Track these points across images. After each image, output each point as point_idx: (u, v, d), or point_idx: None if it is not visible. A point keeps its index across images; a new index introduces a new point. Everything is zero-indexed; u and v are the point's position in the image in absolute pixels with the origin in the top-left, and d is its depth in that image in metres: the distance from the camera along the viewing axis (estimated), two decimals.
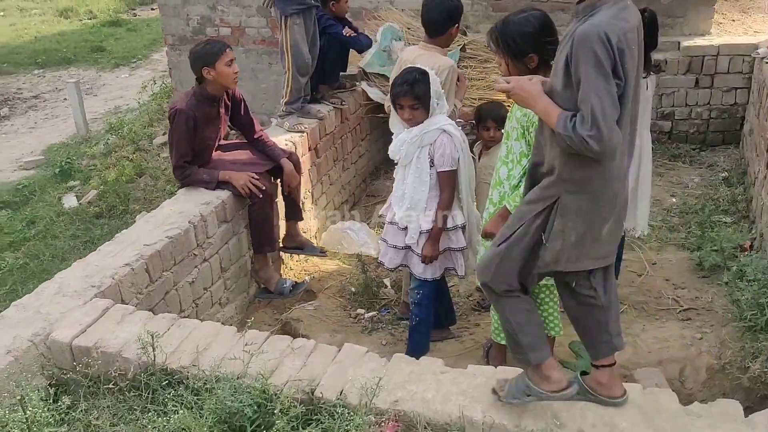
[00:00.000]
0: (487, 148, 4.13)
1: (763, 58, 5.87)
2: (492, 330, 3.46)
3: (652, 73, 3.76)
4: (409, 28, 6.74)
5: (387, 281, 4.73)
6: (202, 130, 4.05)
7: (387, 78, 6.02)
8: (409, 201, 3.51)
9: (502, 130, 3.96)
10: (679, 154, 6.49)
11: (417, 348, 3.67)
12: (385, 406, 2.41)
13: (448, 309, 3.90)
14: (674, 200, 5.72)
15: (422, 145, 3.40)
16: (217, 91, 4.10)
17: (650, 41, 3.71)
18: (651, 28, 3.66)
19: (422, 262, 3.52)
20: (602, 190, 2.20)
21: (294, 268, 4.92)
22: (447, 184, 3.40)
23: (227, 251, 4.10)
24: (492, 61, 6.35)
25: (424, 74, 3.38)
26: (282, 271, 4.77)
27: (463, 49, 6.44)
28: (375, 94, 5.99)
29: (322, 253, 4.85)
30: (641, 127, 3.63)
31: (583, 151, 2.07)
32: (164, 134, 8.29)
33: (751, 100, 6.15)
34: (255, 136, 4.40)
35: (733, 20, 7.08)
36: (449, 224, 3.47)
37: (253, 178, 4.02)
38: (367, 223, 5.68)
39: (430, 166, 3.41)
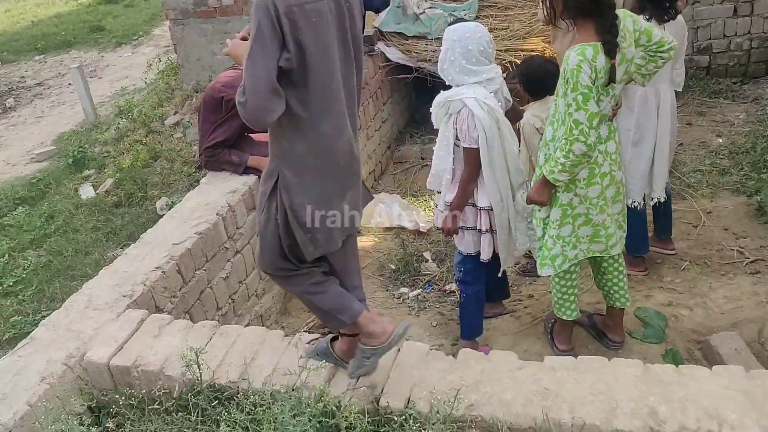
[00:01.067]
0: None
1: None
2: (553, 304, 3.21)
3: (666, 20, 3.38)
4: None
5: (428, 255, 4.47)
6: (236, 121, 3.81)
7: (404, 36, 5.68)
8: (434, 167, 3.27)
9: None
10: (719, 89, 6.11)
11: (470, 328, 3.44)
12: (460, 413, 2.18)
13: (501, 281, 3.62)
14: (721, 140, 5.38)
15: (448, 113, 3.11)
16: None
17: None
18: None
19: (442, 234, 3.32)
20: (314, 163, 2.21)
21: None
22: (467, 161, 3.10)
23: (256, 240, 3.84)
24: (514, 8, 5.97)
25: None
26: None
27: None
28: (394, 54, 5.65)
29: (357, 232, 4.59)
30: (657, 81, 3.32)
31: (245, 121, 2.09)
32: (175, 114, 8.00)
33: None
34: None
35: None
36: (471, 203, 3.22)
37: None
38: (398, 193, 5.42)
39: (456, 137, 3.11)
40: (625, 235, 3.05)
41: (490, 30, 5.62)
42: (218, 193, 3.68)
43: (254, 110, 2.03)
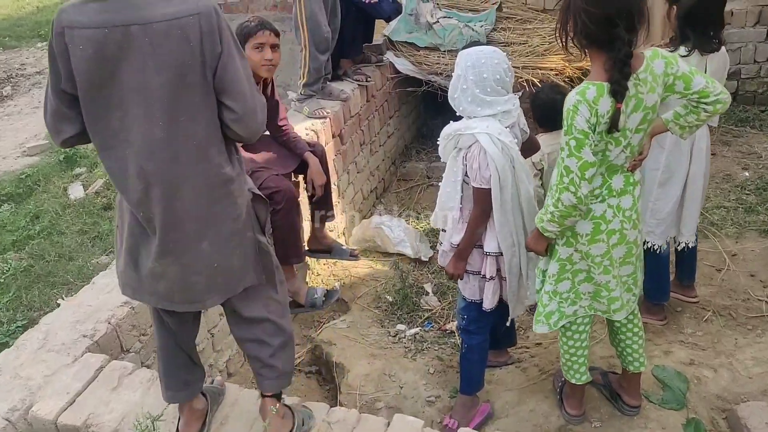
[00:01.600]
0: None
1: None
2: (561, 365, 2.88)
3: (709, 51, 3.05)
4: None
5: (428, 287, 4.15)
6: None
7: (416, 46, 5.35)
8: (440, 205, 2.92)
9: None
10: (746, 117, 5.76)
11: (470, 383, 3.10)
12: None
13: (508, 328, 3.29)
14: (747, 174, 5.03)
15: (458, 147, 2.78)
16: (259, 74, 3.54)
17: (710, 17, 3.03)
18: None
19: (448, 278, 3.00)
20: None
21: (321, 273, 4.36)
22: (477, 201, 2.76)
23: None
24: (533, 22, 5.63)
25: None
26: (308, 278, 4.21)
27: (499, 8, 5.73)
28: (403, 65, 5.32)
29: (353, 256, 4.25)
30: None
31: None
32: None
33: None
34: (279, 124, 3.81)
35: None
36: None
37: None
38: (400, 213, 5.09)
39: (466, 174, 2.78)
40: (635, 298, 2.71)
41: (507, 45, 5.34)
42: None
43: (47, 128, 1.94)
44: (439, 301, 4.05)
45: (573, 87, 4.69)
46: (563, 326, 2.71)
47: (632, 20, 2.19)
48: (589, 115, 2.23)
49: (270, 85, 3.74)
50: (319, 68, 4.31)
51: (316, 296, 3.72)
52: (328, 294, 3.80)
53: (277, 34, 3.52)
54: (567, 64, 4.98)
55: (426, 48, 5.38)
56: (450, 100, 2.82)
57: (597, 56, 2.29)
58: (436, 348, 3.65)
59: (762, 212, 4.51)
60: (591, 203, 2.44)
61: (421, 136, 6.12)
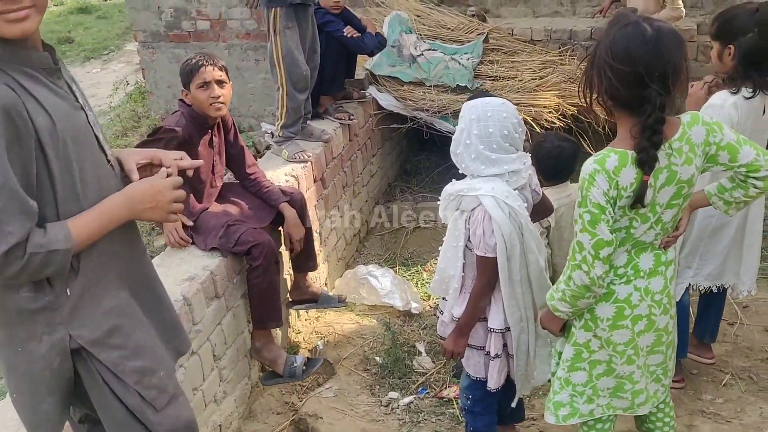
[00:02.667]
0: None
1: None
2: None
3: (765, 92, 2.81)
4: (419, 16, 5.80)
5: (421, 346, 3.80)
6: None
7: (400, 81, 5.05)
8: (440, 272, 2.60)
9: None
10: None
11: None
12: None
13: (516, 404, 2.96)
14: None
15: (461, 209, 2.46)
16: (208, 116, 3.24)
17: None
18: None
19: (444, 355, 2.67)
20: None
21: (302, 330, 3.99)
22: (481, 272, 2.45)
23: (220, 334, 3.17)
24: (521, 54, 5.37)
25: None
26: (288, 335, 3.84)
27: (485, 40, 5.46)
28: (386, 101, 5.01)
29: (341, 302, 3.90)
30: None
31: None
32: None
33: None
34: (247, 172, 3.47)
35: None
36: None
37: (176, 231, 3.14)
38: (386, 259, 4.75)
39: (468, 239, 2.46)
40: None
41: (496, 79, 5.07)
42: (171, 281, 2.97)
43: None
44: (434, 362, 3.70)
45: (571, 131, 4.44)
46: (584, 423, 2.38)
47: (666, 80, 1.89)
48: (607, 188, 1.93)
49: (231, 128, 3.42)
50: (297, 108, 3.98)
51: (295, 365, 3.39)
52: (310, 362, 3.47)
53: (223, 69, 3.22)
54: (561, 101, 4.72)
55: (410, 83, 5.09)
56: (452, 156, 2.51)
57: (624, 119, 1.99)
58: (434, 420, 3.30)
59: None
60: (614, 284, 2.13)
61: (404, 173, 5.81)
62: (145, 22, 7.21)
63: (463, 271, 2.52)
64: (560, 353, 2.35)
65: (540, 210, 2.66)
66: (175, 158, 2.01)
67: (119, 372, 1.84)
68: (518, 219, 2.38)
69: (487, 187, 2.37)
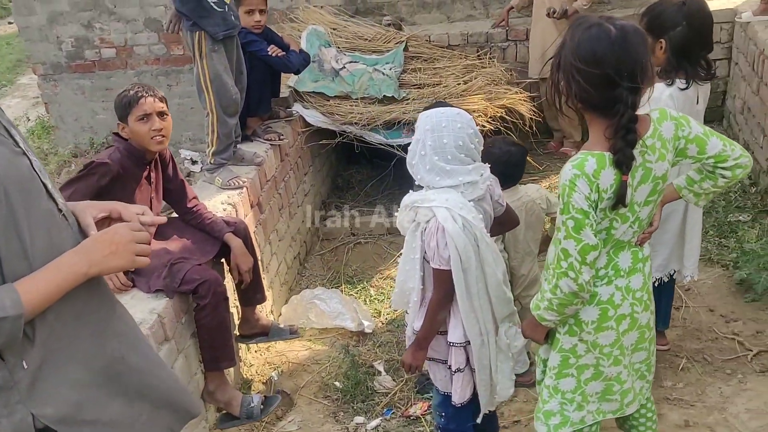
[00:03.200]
0: None
1: (748, 22, 5.17)
2: None
3: (698, 82, 2.88)
4: (335, 29, 5.71)
5: (380, 365, 3.71)
6: (123, 199, 2.93)
7: (325, 96, 4.95)
8: (399, 285, 2.50)
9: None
10: None
11: None
12: None
13: (489, 416, 2.90)
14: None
15: (417, 221, 2.38)
16: (148, 152, 3.05)
17: (704, 43, 2.86)
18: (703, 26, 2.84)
19: (403, 368, 2.58)
20: None
21: (254, 362, 3.82)
22: (437, 284, 2.37)
23: None
24: (441, 60, 5.38)
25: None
26: (240, 370, 3.67)
27: (405, 48, 5.44)
28: (313, 117, 4.90)
29: (293, 333, 3.74)
30: None
31: None
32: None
33: (738, 72, 5.45)
34: (189, 206, 3.28)
35: None
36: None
37: (116, 277, 2.96)
38: (330, 279, 4.63)
39: (425, 251, 2.39)
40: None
41: (421, 87, 5.05)
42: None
43: None
44: (395, 380, 3.61)
45: (500, 132, 4.46)
46: None
47: (635, 78, 1.87)
48: (588, 191, 1.90)
49: (170, 162, 3.24)
50: (228, 133, 3.82)
51: (252, 405, 3.23)
52: (267, 400, 3.31)
53: (163, 99, 3.05)
54: (489, 104, 4.74)
55: (336, 97, 4.99)
56: (408, 167, 2.42)
57: (596, 121, 1.97)
58: None
59: (706, 239, 4.40)
60: (596, 286, 2.11)
61: (337, 188, 5.71)
62: (44, 54, 6.82)
63: (423, 284, 2.43)
64: (545, 360, 2.30)
65: (504, 221, 2.60)
66: (137, 212, 1.79)
67: None
68: (473, 231, 2.30)
69: (441, 199, 2.29)
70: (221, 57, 3.62)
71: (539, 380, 2.38)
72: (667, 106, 2.77)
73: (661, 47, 2.83)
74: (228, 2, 3.62)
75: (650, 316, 2.22)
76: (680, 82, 2.83)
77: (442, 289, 2.37)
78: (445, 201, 2.28)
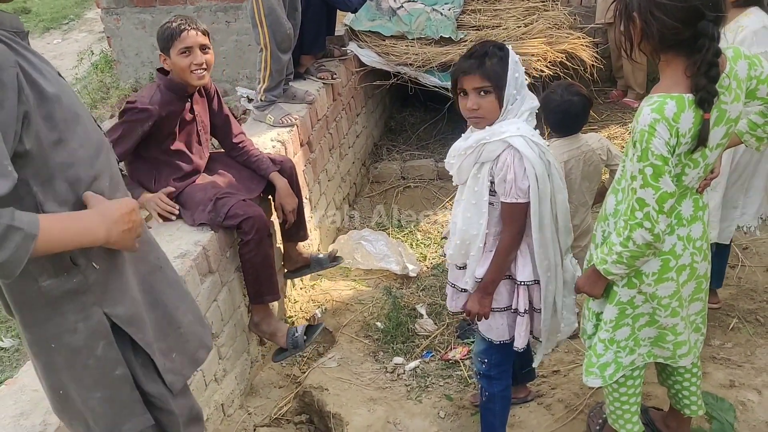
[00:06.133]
0: None
1: None
2: (608, 414, 2.49)
3: None
4: None
5: (422, 309, 3.72)
6: (169, 137, 2.99)
7: (381, 36, 4.87)
8: (460, 235, 2.39)
9: None
10: None
11: None
12: None
13: (527, 362, 2.88)
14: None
15: (481, 161, 2.30)
16: (189, 86, 3.03)
17: None
18: None
19: (468, 317, 2.51)
20: None
21: (299, 299, 3.88)
22: (510, 221, 2.29)
23: (217, 311, 3.04)
24: (503, 1, 5.19)
25: (502, 49, 2.27)
26: (285, 306, 3.73)
27: None
28: (368, 57, 4.83)
29: (333, 261, 3.76)
30: None
31: None
32: (112, 117, 7.01)
33: None
34: (235, 142, 3.30)
35: None
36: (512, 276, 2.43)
37: (161, 200, 2.97)
38: (377, 222, 4.63)
39: (492, 192, 2.32)
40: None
41: (479, 29, 4.90)
42: None
43: None
44: (436, 323, 3.63)
45: (559, 78, 4.28)
46: (615, 381, 2.31)
47: (719, 7, 1.78)
48: (668, 136, 1.82)
49: (214, 96, 3.23)
50: (281, 70, 3.80)
51: (296, 335, 3.27)
52: (309, 329, 3.34)
53: (206, 33, 3.02)
54: (549, 48, 4.58)
55: (392, 37, 4.90)
56: (508, 103, 2.29)
57: (675, 61, 1.87)
58: (442, 383, 3.23)
59: None
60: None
61: (389, 132, 5.66)
62: None
63: (487, 229, 2.38)
64: (597, 314, 2.26)
65: None
66: None
67: (151, 353, 1.71)
68: (546, 157, 2.25)
69: (512, 129, 2.20)
70: None
71: (590, 334, 2.33)
72: None
73: None
74: None
75: (707, 266, 2.16)
76: (761, 13, 2.65)
77: (516, 226, 2.29)
78: (517, 130, 2.21)
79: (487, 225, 2.33)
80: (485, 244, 2.35)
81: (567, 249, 2.42)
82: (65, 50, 10.15)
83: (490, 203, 2.31)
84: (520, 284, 2.35)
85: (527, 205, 2.23)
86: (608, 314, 2.19)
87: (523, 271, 2.34)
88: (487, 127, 2.27)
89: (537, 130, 2.27)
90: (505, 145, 2.21)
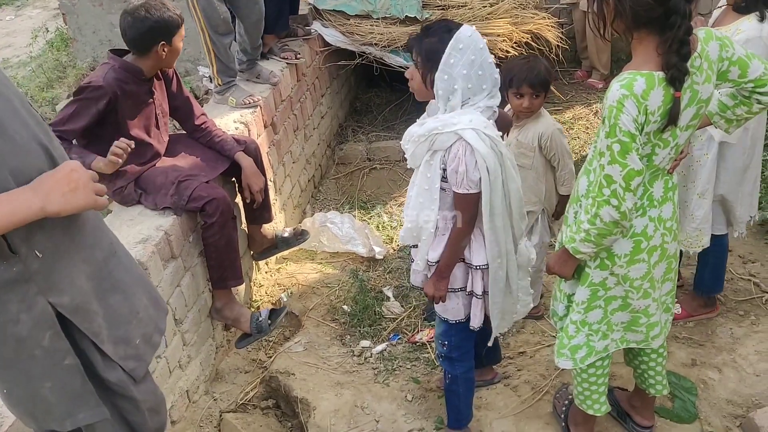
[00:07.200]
0: (518, 119, 3.04)
1: None
2: (576, 395, 2.51)
3: None
4: None
5: (389, 291, 3.71)
6: (125, 120, 2.89)
7: (346, 15, 4.79)
8: (411, 219, 2.42)
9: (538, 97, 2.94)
10: None
11: (458, 417, 2.71)
12: None
13: (492, 347, 2.89)
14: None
15: (433, 149, 2.29)
16: (153, 69, 2.96)
17: None
18: None
19: (428, 299, 2.55)
20: None
21: (264, 283, 3.83)
22: (462, 209, 2.30)
23: (180, 297, 2.98)
24: None
25: (450, 31, 2.24)
26: (250, 290, 3.68)
27: None
28: (332, 37, 4.76)
29: (299, 237, 3.72)
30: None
31: None
32: (68, 97, 6.81)
33: None
34: (196, 123, 3.22)
35: None
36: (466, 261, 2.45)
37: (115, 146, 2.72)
38: (342, 204, 4.60)
39: (444, 179, 2.32)
40: (672, 318, 2.36)
41: (445, 8, 4.85)
42: (123, 244, 2.74)
43: None
44: (403, 306, 3.62)
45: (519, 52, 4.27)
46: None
47: None
48: (636, 113, 1.82)
49: (173, 78, 3.15)
50: (224, 51, 3.70)
51: (260, 319, 3.23)
52: (274, 313, 3.31)
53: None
54: (514, 29, 4.56)
55: (357, 16, 4.82)
56: (438, 92, 2.29)
57: (646, 39, 1.87)
58: (409, 366, 3.22)
59: None
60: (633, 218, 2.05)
61: (355, 112, 5.60)
62: None
63: (438, 214, 2.38)
64: (569, 296, 2.27)
65: (500, 127, 2.52)
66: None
67: (99, 342, 1.67)
68: (498, 148, 2.24)
69: (464, 120, 2.20)
70: None
71: (561, 316, 2.35)
72: (767, 46, 2.57)
73: None
74: None
75: (677, 246, 2.18)
76: (755, 17, 2.59)
77: (467, 215, 2.30)
78: (469, 122, 2.19)
79: (439, 210, 2.34)
80: (437, 228, 2.36)
81: (521, 234, 2.43)
82: (19, 27, 9.83)
83: (442, 189, 2.31)
84: (475, 268, 2.37)
85: (479, 195, 2.24)
86: (580, 296, 2.21)
87: (477, 256, 2.37)
88: (440, 115, 2.27)
89: (492, 121, 2.26)
90: (456, 137, 2.20)
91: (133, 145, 2.69)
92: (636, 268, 2.11)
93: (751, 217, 3.03)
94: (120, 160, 2.67)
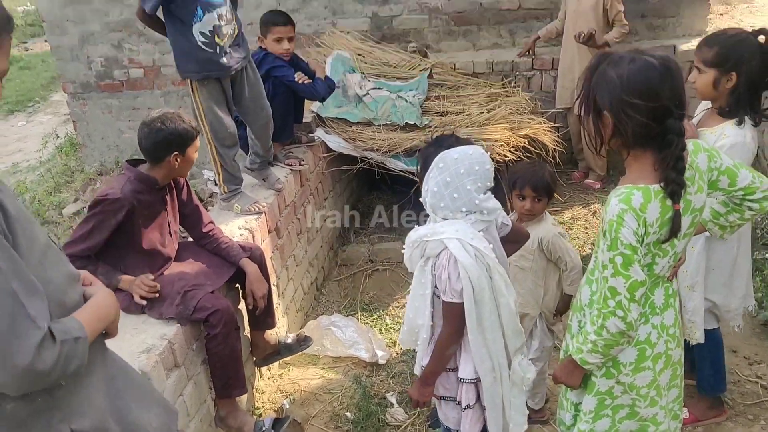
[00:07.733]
0: (521, 221, 3.10)
1: None
2: None
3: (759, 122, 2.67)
4: (360, 54, 5.71)
5: (392, 397, 3.65)
6: (140, 229, 2.95)
7: (348, 122, 4.96)
8: (409, 322, 2.46)
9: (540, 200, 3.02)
10: None
11: None
12: None
13: None
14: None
15: (425, 255, 2.35)
16: (166, 179, 3.05)
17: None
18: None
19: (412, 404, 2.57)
20: None
21: (266, 389, 3.79)
22: (447, 318, 2.33)
23: (183, 406, 2.94)
24: (466, 88, 5.36)
25: (440, 146, 2.39)
26: (252, 396, 3.64)
27: (429, 75, 5.43)
28: (335, 143, 4.90)
29: (302, 343, 3.71)
30: None
31: None
32: (76, 201, 6.95)
33: None
34: (204, 231, 3.28)
35: (721, 14, 6.32)
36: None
37: (143, 282, 2.91)
38: (345, 306, 4.60)
39: (435, 286, 2.36)
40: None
41: (444, 114, 5.03)
42: (126, 353, 2.74)
43: None
44: (407, 413, 3.56)
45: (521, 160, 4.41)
46: None
47: (683, 106, 1.87)
48: (636, 226, 1.87)
49: (184, 187, 3.23)
50: (230, 163, 3.80)
51: (264, 429, 3.19)
52: (277, 422, 3.26)
53: None
54: (511, 133, 4.71)
55: (358, 123, 4.99)
56: (429, 208, 2.38)
57: (642, 156, 1.94)
58: None
59: None
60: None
61: (360, 215, 5.69)
62: (74, 73, 6.94)
63: (432, 320, 2.40)
64: (576, 405, 2.26)
65: (514, 239, 2.56)
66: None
67: None
68: (485, 261, 2.27)
69: (451, 230, 2.26)
70: (212, 90, 3.57)
71: (569, 425, 2.33)
72: (751, 150, 2.61)
73: (730, 80, 2.59)
74: (222, 44, 3.50)
75: (681, 352, 2.19)
76: (749, 120, 2.63)
77: (452, 324, 2.33)
78: (455, 232, 2.25)
79: (433, 317, 2.37)
80: (432, 334, 2.38)
81: (516, 351, 2.43)
82: (30, 133, 10.14)
83: (436, 296, 2.34)
84: (462, 381, 2.39)
85: (462, 305, 2.26)
86: (587, 405, 2.20)
87: (465, 368, 2.39)
88: (430, 223, 2.34)
89: (481, 233, 2.30)
90: (442, 246, 2.26)
91: (157, 288, 2.90)
92: (642, 376, 2.11)
93: (745, 308, 3.04)
94: (144, 302, 2.90)
